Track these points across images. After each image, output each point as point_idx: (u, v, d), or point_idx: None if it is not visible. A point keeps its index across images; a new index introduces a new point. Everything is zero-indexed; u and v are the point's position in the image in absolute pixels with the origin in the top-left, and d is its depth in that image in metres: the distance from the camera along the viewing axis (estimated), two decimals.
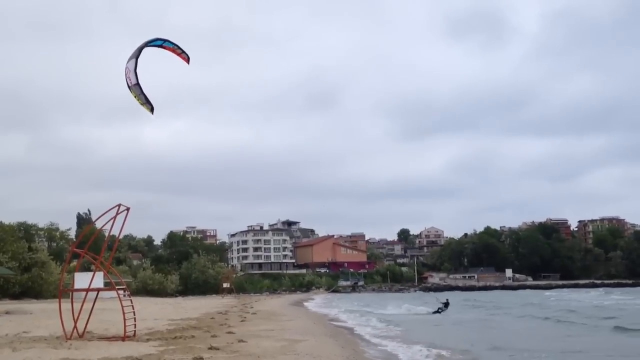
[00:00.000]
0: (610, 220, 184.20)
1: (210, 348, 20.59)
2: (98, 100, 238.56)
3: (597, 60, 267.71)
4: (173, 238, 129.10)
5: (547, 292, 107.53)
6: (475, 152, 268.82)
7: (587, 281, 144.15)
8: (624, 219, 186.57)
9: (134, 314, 23.83)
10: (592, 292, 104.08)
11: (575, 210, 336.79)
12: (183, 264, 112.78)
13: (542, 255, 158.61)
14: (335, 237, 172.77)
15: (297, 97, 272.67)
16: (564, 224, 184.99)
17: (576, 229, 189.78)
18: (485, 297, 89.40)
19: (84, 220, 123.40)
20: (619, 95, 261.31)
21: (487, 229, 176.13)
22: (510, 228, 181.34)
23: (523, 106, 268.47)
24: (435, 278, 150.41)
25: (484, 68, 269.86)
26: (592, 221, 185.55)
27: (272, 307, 62.36)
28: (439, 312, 48.39)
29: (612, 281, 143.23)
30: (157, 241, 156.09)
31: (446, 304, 50.22)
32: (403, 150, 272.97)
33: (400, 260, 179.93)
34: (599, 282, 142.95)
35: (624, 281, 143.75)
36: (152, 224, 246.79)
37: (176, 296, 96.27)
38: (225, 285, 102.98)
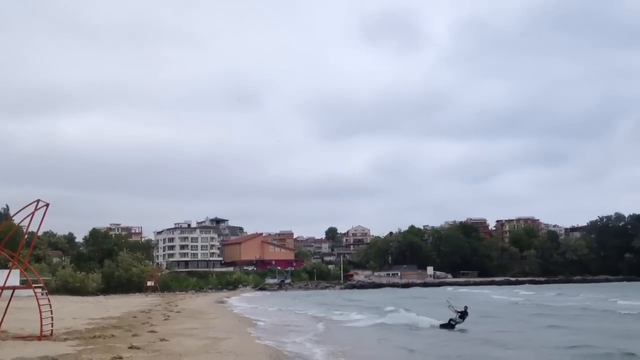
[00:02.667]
0: (526, 220, 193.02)
1: (131, 347, 20.62)
2: (7, 93, 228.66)
3: (505, 67, 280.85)
4: (96, 235, 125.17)
5: (462, 289, 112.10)
6: (396, 153, 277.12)
7: (502, 278, 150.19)
8: (538, 219, 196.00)
9: (51, 313, 23.49)
10: (501, 289, 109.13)
11: (493, 210, 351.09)
12: (106, 262, 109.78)
13: (462, 253, 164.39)
14: (263, 235, 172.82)
15: (219, 96, 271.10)
16: (483, 224, 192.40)
17: (494, 228, 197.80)
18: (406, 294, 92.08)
19: (0, 216, 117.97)
20: (527, 101, 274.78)
21: (411, 228, 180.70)
22: (433, 227, 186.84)
23: (438, 110, 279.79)
24: (360, 275, 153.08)
25: (400, 72, 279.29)
26: (509, 221, 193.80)
27: (198, 305, 62.06)
28: (452, 326, 33.29)
29: (526, 278, 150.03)
30: (79, 238, 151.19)
31: (463, 314, 33.56)
32: (327, 150, 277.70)
33: (327, 258, 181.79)
34: (513, 279, 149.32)
35: (537, 278, 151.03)
36: (73, 220, 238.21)
37: (98, 295, 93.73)
38: (149, 283, 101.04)
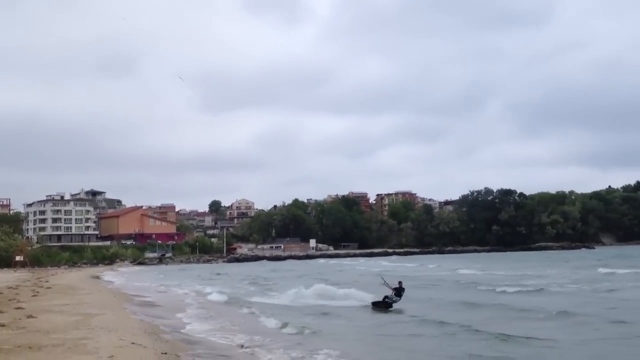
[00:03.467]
0: (404, 194, 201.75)
1: None
2: None
3: (384, 45, 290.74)
4: None
5: (332, 261, 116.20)
6: (280, 126, 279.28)
7: (381, 250, 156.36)
8: (415, 194, 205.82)
9: None
10: (371, 260, 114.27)
11: (373, 184, 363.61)
12: None
13: (344, 226, 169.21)
14: (143, 208, 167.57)
15: (94, 62, 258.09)
16: (364, 197, 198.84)
17: (374, 202, 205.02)
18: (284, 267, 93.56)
19: None
20: (405, 78, 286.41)
21: (295, 201, 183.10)
22: (316, 201, 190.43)
23: (320, 85, 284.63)
24: (244, 249, 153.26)
25: (283, 45, 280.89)
26: (388, 195, 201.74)
27: (70, 280, 59.32)
28: (389, 305, 28.00)
29: (402, 250, 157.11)
30: None
31: (399, 290, 28.50)
32: (210, 122, 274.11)
33: (210, 232, 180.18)
34: (391, 250, 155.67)
35: (412, 249, 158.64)
36: None
37: None
38: (18, 258, 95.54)
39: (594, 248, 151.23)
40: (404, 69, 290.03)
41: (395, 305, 27.63)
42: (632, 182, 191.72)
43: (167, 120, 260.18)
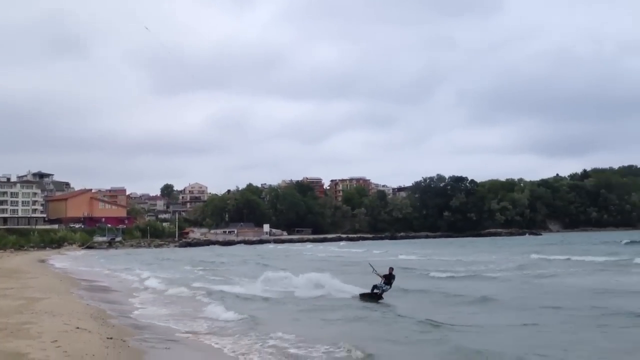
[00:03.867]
0: (358, 180, 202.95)
1: None
2: None
3: (340, 30, 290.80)
4: None
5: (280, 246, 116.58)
6: (234, 110, 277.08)
7: (334, 235, 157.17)
8: (369, 180, 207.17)
9: None
10: (320, 245, 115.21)
11: (328, 170, 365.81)
12: None
13: (298, 211, 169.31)
14: (93, 191, 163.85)
15: (40, 42, 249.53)
16: (318, 183, 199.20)
17: (329, 187, 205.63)
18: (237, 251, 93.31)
19: None
20: (359, 65, 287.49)
21: (249, 186, 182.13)
22: (270, 186, 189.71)
23: (274, 69, 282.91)
24: (196, 233, 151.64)
25: (236, 28, 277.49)
26: (342, 181, 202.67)
27: (15, 264, 57.73)
28: (379, 296, 25.04)
29: (355, 235, 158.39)
30: None
31: (389, 278, 25.32)
32: (162, 104, 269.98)
33: (162, 216, 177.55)
34: (344, 236, 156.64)
35: (365, 235, 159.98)
36: None
37: None
38: None
39: (541, 234, 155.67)
40: (358, 55, 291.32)
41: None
42: (579, 170, 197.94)
43: (118, 102, 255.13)
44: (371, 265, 26.96)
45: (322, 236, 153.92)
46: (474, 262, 49.65)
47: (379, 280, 25.30)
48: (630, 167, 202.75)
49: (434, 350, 14.62)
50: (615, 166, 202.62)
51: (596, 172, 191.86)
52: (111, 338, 15.21)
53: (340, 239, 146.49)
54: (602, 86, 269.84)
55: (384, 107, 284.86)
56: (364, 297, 25.43)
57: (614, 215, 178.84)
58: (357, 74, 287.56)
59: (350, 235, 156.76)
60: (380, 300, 24.46)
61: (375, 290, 25.17)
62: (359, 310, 22.34)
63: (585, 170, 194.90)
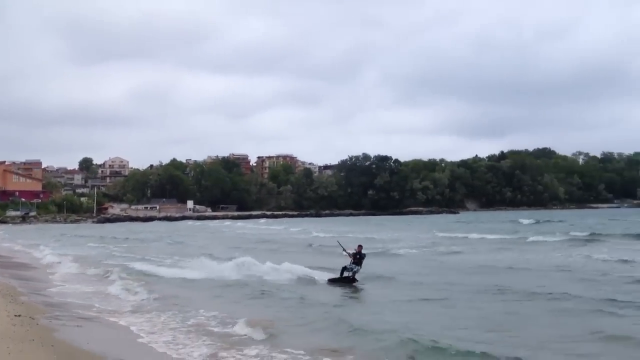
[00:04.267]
0: (285, 157, 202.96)
1: None
2: None
3: (268, 5, 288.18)
4: None
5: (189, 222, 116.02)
6: (157, 83, 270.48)
7: (259, 212, 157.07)
8: (296, 157, 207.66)
9: None
10: (239, 222, 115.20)
11: (255, 147, 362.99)
12: None
13: (223, 187, 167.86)
14: (6, 163, 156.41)
15: None
16: (244, 159, 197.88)
17: (255, 164, 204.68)
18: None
19: None
20: (286, 41, 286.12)
21: (173, 161, 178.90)
22: (195, 161, 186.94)
23: (201, 41, 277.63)
24: (116, 209, 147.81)
25: None
26: (269, 157, 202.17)
27: None
28: (351, 279, 22.91)
29: (281, 212, 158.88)
30: None
31: (359, 257, 22.99)
32: (81, 74, 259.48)
33: (80, 190, 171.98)
34: (269, 213, 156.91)
35: (290, 212, 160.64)
36: None
37: None
38: None
39: (458, 213, 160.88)
40: (286, 30, 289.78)
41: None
42: (497, 152, 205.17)
43: (34, 71, 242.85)
44: (340, 244, 24.40)
45: (247, 213, 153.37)
46: (384, 239, 50.90)
47: (348, 261, 22.97)
48: (544, 149, 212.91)
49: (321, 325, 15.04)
50: (530, 148, 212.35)
51: (512, 153, 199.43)
52: (19, 315, 14.79)
53: (265, 216, 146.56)
54: (520, 71, 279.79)
55: (312, 85, 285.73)
56: (333, 282, 22.99)
57: (527, 196, 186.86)
58: (285, 50, 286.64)
59: (275, 213, 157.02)
60: (355, 283, 22.41)
61: (346, 273, 22.89)
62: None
63: (502, 152, 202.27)
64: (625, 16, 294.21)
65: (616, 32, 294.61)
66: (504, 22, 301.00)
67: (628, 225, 63.32)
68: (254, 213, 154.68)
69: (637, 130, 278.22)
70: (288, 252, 38.97)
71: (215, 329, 14.78)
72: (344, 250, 23.46)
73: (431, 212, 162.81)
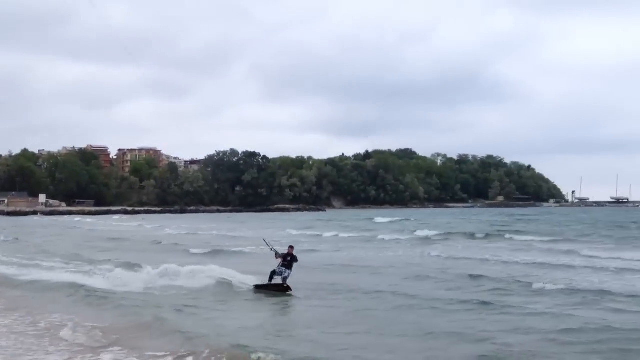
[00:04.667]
0: (148, 150, 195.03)
1: None
2: None
3: None
4: None
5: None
6: (9, 67, 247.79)
7: (119, 208, 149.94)
8: (160, 151, 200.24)
9: None
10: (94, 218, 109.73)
11: (116, 139, 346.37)
12: None
13: (80, 181, 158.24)
14: None
15: None
16: (104, 152, 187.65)
17: (116, 157, 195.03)
18: None
19: None
20: (152, 30, 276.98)
21: (25, 151, 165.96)
22: (49, 152, 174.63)
23: (57, 26, 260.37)
24: None
25: None
26: (131, 150, 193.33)
27: None
28: (285, 287, 19.82)
29: (143, 208, 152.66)
30: None
31: (289, 259, 19.99)
32: None
33: None
34: (130, 209, 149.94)
35: (153, 208, 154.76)
36: None
37: None
38: None
39: (325, 211, 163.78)
40: (150, 19, 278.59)
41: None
42: (362, 151, 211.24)
43: None
44: (266, 242, 21.55)
45: (105, 208, 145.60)
46: (235, 237, 49.95)
47: (276, 264, 20.01)
48: (405, 149, 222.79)
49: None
50: (394, 149, 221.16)
51: (377, 153, 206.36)
52: None
53: (126, 212, 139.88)
54: (383, 73, 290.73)
55: (178, 76, 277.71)
56: (260, 288, 20.21)
57: (390, 194, 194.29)
58: (149, 38, 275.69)
59: (136, 209, 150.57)
60: (289, 292, 19.31)
61: (275, 277, 19.83)
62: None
63: (367, 151, 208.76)
64: (481, 24, 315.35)
65: (472, 39, 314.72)
66: (368, 24, 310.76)
67: (476, 224, 67.20)
68: (113, 209, 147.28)
69: (490, 133, 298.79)
70: (132, 250, 37.05)
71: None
72: (272, 249, 20.49)
73: (298, 210, 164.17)
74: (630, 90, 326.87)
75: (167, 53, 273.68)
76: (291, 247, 20.48)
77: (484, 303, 16.88)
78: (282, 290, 19.53)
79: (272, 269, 20.02)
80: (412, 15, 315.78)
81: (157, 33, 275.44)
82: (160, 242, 43.67)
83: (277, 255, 20.06)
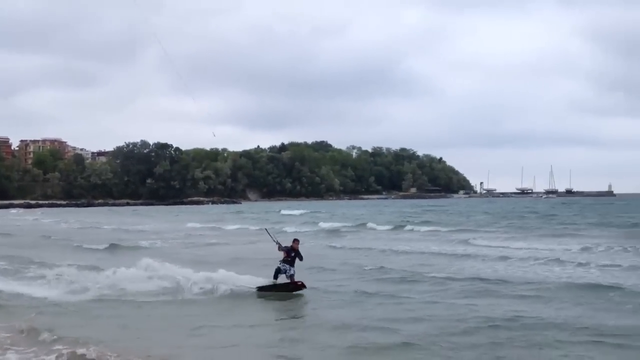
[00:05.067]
0: (52, 142, 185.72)
1: None
2: None
3: None
4: None
5: None
6: None
7: (22, 201, 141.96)
8: (65, 142, 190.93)
9: None
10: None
11: (17, 129, 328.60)
12: None
13: None
14: None
15: None
16: (5, 143, 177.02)
17: (17, 148, 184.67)
18: None
19: None
20: (57, 15, 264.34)
21: None
22: None
23: None
24: None
25: None
26: (34, 141, 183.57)
27: None
28: (298, 284, 17.76)
29: (47, 202, 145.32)
30: None
31: (293, 256, 17.80)
32: None
33: None
34: (34, 202, 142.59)
35: (58, 202, 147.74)
36: None
37: None
38: None
39: (240, 203, 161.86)
40: (56, 4, 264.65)
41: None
42: (278, 143, 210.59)
43: None
44: (268, 233, 19.11)
45: (7, 202, 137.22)
46: (137, 231, 48.14)
47: (282, 262, 17.72)
48: (321, 142, 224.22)
49: None
50: (309, 141, 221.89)
51: (292, 145, 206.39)
52: None
53: (29, 206, 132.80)
54: (298, 66, 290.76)
55: (84, 65, 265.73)
56: (265, 289, 17.75)
57: (306, 187, 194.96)
58: (52, 24, 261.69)
59: (40, 202, 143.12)
60: (297, 291, 17.28)
61: (279, 275, 17.61)
62: None
63: (283, 144, 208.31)
64: (395, 19, 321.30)
65: (386, 33, 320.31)
66: (283, 16, 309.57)
67: (387, 216, 68.08)
68: (15, 202, 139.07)
69: (403, 127, 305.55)
70: (13, 246, 34.61)
71: None
72: (275, 241, 18.00)
73: (213, 202, 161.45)
74: (532, 87, 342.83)
75: (73, 41, 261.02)
76: (296, 241, 18.15)
77: (367, 293, 16.89)
78: (291, 289, 17.37)
79: (276, 267, 17.81)
80: (327, 9, 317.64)
81: (64, 20, 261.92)
82: (50, 237, 41.10)
83: (280, 248, 17.80)
